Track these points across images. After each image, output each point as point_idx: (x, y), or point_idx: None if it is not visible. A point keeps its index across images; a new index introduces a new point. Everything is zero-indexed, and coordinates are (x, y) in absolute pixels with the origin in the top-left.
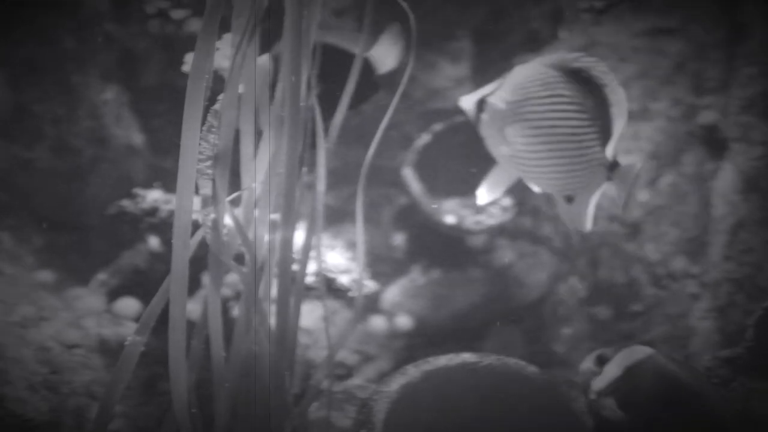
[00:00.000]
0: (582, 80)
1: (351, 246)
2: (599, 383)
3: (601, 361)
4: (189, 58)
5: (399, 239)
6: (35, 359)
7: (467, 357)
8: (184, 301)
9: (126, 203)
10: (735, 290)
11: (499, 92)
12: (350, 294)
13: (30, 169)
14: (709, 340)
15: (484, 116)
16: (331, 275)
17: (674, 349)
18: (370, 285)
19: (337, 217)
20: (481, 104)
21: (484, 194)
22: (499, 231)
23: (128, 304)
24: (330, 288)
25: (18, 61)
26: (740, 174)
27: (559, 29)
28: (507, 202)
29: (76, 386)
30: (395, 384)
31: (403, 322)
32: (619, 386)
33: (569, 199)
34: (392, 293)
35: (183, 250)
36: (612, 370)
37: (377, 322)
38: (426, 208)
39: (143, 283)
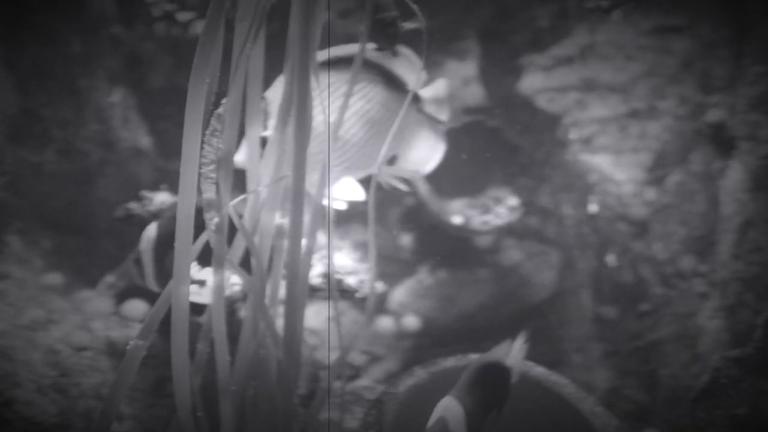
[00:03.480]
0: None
1: (358, 247)
2: None
3: None
4: None
5: (406, 240)
6: (44, 362)
7: (475, 358)
8: (186, 304)
9: (133, 206)
10: (744, 289)
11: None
12: (357, 295)
13: (38, 172)
14: (718, 340)
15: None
16: (338, 276)
17: (682, 349)
18: (378, 286)
19: (343, 218)
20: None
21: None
22: (507, 231)
23: (136, 307)
24: (337, 289)
25: (25, 65)
26: (748, 172)
27: (565, 28)
28: (514, 202)
29: (84, 389)
30: (403, 385)
31: (411, 322)
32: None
33: (393, 159)
34: (399, 294)
35: (184, 253)
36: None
37: (385, 323)
38: (434, 207)
39: None
